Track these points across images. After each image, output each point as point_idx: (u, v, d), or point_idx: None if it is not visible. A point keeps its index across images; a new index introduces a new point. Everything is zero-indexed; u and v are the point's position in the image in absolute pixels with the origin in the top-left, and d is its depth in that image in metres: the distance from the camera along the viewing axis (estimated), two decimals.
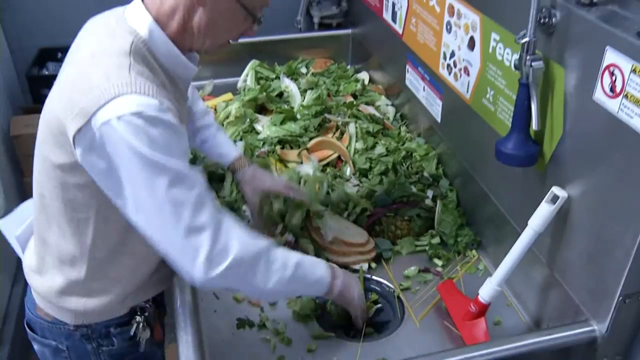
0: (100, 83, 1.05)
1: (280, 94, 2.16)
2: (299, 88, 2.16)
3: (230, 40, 1.25)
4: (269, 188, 1.62)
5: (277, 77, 2.25)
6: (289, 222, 1.58)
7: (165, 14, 1.16)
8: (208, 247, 1.10)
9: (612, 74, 1.03)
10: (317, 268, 1.30)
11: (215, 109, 2.13)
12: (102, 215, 1.19)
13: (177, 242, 1.10)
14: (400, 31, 1.94)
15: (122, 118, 1.02)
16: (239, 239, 1.14)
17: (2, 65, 2.66)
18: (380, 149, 1.85)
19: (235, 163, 1.65)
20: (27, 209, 1.39)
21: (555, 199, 1.22)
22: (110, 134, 1.03)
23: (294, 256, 1.24)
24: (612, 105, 1.04)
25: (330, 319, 1.45)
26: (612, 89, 1.04)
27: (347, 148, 1.88)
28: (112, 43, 1.13)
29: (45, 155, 1.16)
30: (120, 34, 1.15)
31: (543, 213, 1.23)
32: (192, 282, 1.12)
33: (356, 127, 1.94)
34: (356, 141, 1.89)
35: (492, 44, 1.38)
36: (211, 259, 1.10)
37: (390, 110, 2.11)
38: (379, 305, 1.48)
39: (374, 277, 1.55)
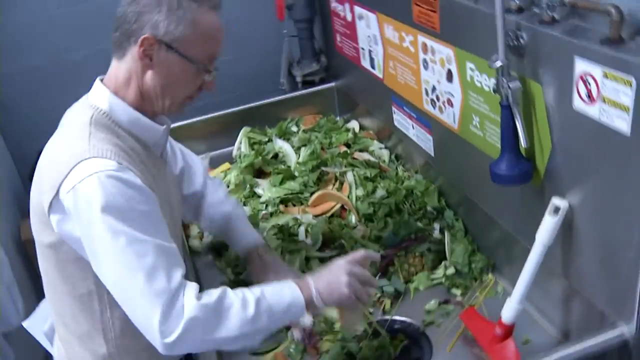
0: (63, 157, 1.15)
1: (276, 155, 2.21)
2: (293, 147, 2.21)
3: (192, 97, 1.30)
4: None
5: (270, 140, 2.30)
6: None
7: (122, 85, 1.25)
8: (160, 316, 1.10)
9: (585, 82, 1.07)
10: (283, 293, 1.24)
11: None
12: (102, 287, 1.19)
13: (134, 310, 1.13)
14: (380, 76, 2.00)
15: (82, 182, 1.11)
16: (191, 303, 1.13)
17: (5, 171, 2.72)
18: (380, 192, 1.88)
19: (254, 251, 1.61)
20: (44, 306, 1.42)
21: (557, 209, 1.24)
22: (74, 200, 1.11)
23: (253, 292, 1.21)
24: (593, 111, 1.08)
25: None
26: (590, 96, 1.07)
27: (348, 197, 1.91)
28: (74, 121, 1.24)
29: (39, 240, 1.24)
30: (82, 111, 1.24)
31: (548, 225, 1.25)
32: (162, 350, 1.13)
33: (354, 175, 1.97)
34: (356, 188, 1.92)
35: (469, 72, 1.43)
36: (165, 327, 1.10)
37: (385, 153, 2.15)
38: (405, 342, 1.48)
39: (395, 317, 1.56)
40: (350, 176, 1.97)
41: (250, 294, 1.20)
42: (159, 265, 1.12)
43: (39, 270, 1.30)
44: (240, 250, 1.65)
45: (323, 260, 1.66)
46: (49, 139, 1.26)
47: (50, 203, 1.14)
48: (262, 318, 1.18)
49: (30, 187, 1.24)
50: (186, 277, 1.18)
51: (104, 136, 1.18)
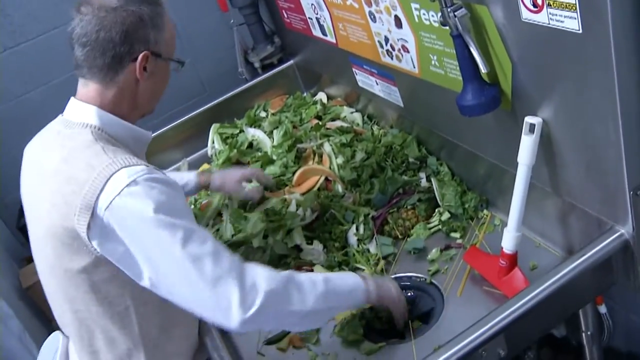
0: (87, 176, 1.11)
1: (250, 145, 2.18)
2: (265, 132, 2.18)
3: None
4: (242, 175, 1.77)
5: (242, 131, 2.27)
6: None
7: (112, 102, 1.24)
8: (238, 291, 1.09)
9: None
10: (346, 278, 1.30)
11: None
12: (138, 299, 1.22)
13: (207, 296, 1.10)
14: (333, 41, 1.96)
15: (121, 194, 1.08)
16: (263, 275, 1.15)
17: None
18: (360, 155, 1.85)
19: (200, 180, 1.76)
20: (49, 343, 1.41)
21: (532, 127, 1.21)
22: (117, 213, 1.09)
23: (319, 274, 1.26)
24: (542, 18, 1.05)
25: (375, 331, 1.43)
26: (534, 4, 1.04)
27: (330, 168, 1.88)
28: (75, 142, 1.19)
29: (66, 268, 1.19)
30: (76, 132, 1.21)
31: (527, 145, 1.22)
32: (234, 329, 1.12)
33: (331, 145, 1.94)
34: (336, 157, 1.89)
35: (415, 13, 1.39)
36: (245, 300, 1.10)
37: (357, 116, 2.12)
38: (410, 294, 1.48)
39: (399, 275, 1.54)
40: (327, 147, 1.94)
41: (317, 274, 1.25)
42: (219, 246, 1.14)
43: (46, 311, 1.28)
44: (192, 188, 1.77)
45: (307, 228, 1.70)
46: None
47: (89, 224, 1.10)
48: (331, 296, 1.21)
49: (23, 234, 1.22)
50: None
51: (115, 148, 1.18)
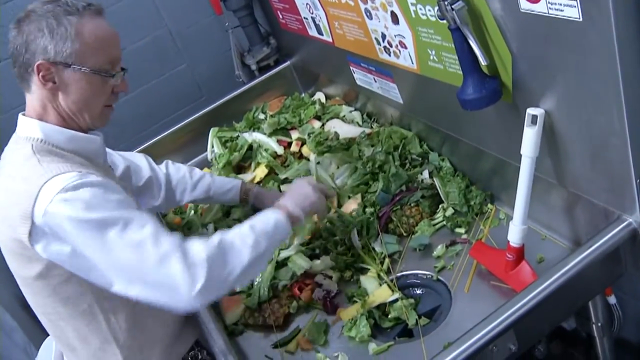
0: (23, 188, 1.16)
1: (250, 147, 2.16)
2: (265, 134, 2.17)
3: (110, 104, 1.33)
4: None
5: (238, 136, 2.25)
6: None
7: (41, 112, 1.26)
8: (182, 267, 1.14)
9: None
10: (267, 217, 1.35)
11: None
12: (99, 296, 1.26)
13: (154, 279, 1.15)
14: (330, 40, 1.95)
15: (53, 201, 1.12)
16: (200, 247, 1.19)
17: None
18: (360, 163, 1.82)
19: (243, 191, 1.79)
20: (45, 346, 1.51)
21: (534, 119, 1.20)
22: (53, 220, 1.13)
23: (241, 226, 1.30)
24: (540, 7, 1.04)
25: (383, 330, 1.42)
26: None
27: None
28: (17, 157, 1.24)
29: (24, 275, 1.26)
30: (19, 146, 1.25)
31: (530, 137, 1.21)
32: (189, 306, 1.18)
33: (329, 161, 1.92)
34: (334, 180, 1.86)
35: (412, 8, 1.38)
36: (191, 274, 1.14)
37: (356, 115, 2.11)
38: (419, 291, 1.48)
39: (405, 273, 1.53)
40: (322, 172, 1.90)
41: (241, 227, 1.29)
42: (159, 228, 1.18)
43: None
44: (230, 198, 1.80)
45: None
46: None
47: (30, 233, 1.15)
48: (261, 242, 1.27)
49: None
50: None
51: (52, 158, 1.21)
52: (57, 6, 1.23)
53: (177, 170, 1.79)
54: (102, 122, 1.34)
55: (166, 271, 1.14)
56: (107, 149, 1.59)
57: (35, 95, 1.26)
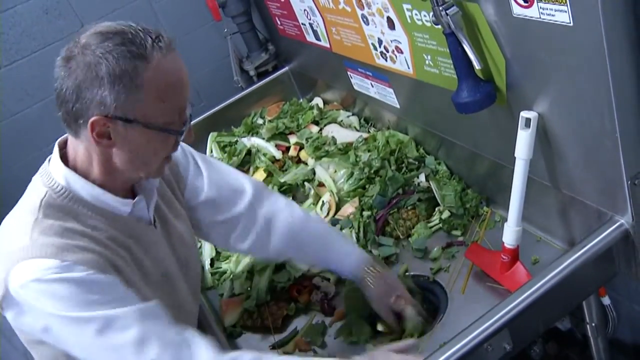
0: (6, 249, 1.06)
1: (249, 151, 2.18)
2: (263, 138, 2.19)
3: (169, 157, 1.16)
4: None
5: (236, 142, 2.28)
6: None
7: (84, 163, 1.12)
8: None
9: None
10: None
11: None
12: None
13: None
14: (327, 45, 1.97)
15: (24, 286, 1.01)
16: (205, 356, 1.06)
17: None
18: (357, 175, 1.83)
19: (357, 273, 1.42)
20: None
21: (528, 122, 1.22)
22: (25, 299, 1.02)
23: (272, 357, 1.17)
24: (533, 12, 1.06)
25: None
26: None
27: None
28: (26, 201, 1.13)
29: (27, 339, 1.16)
30: (36, 187, 1.13)
31: (523, 140, 1.23)
32: None
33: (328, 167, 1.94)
34: (335, 183, 1.88)
35: (407, 13, 1.41)
36: None
37: (354, 120, 2.13)
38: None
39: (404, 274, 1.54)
40: (322, 173, 1.92)
41: (278, 358, 1.16)
42: (149, 333, 1.04)
43: None
44: (346, 271, 1.44)
45: None
46: None
47: (2, 297, 1.04)
48: None
49: None
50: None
51: (52, 223, 1.07)
52: (121, 45, 1.00)
53: (298, 221, 1.46)
54: (159, 175, 1.19)
55: None
56: (202, 169, 1.42)
57: (82, 144, 1.09)
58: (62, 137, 1.17)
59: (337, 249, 1.45)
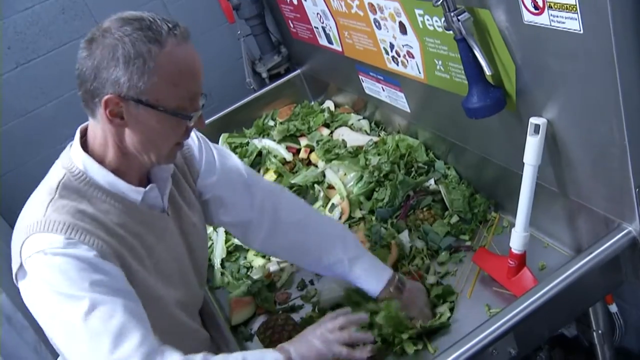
0: (22, 224, 1.12)
1: (260, 153, 2.20)
2: (274, 140, 2.21)
3: (181, 143, 1.20)
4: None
5: (251, 139, 2.30)
6: None
7: (101, 146, 1.16)
8: None
9: None
10: (265, 356, 1.18)
11: None
12: None
13: None
14: (339, 49, 1.99)
15: (31, 257, 1.07)
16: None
17: (6, 238, 2.71)
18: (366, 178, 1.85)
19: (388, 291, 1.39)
20: None
21: (537, 128, 1.23)
22: (29, 269, 1.07)
23: (237, 354, 1.15)
24: (543, 20, 1.07)
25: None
26: (536, 6, 1.06)
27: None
28: (47, 181, 1.18)
29: None
30: (57, 169, 1.19)
31: (532, 146, 1.24)
32: None
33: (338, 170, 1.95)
34: (345, 186, 1.89)
35: (420, 19, 1.42)
36: None
37: (364, 123, 2.15)
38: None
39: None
40: (332, 176, 1.93)
41: (231, 356, 1.14)
42: (129, 326, 1.05)
43: None
44: (374, 289, 1.39)
45: None
46: None
47: (18, 268, 1.09)
48: None
49: None
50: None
51: (66, 203, 1.12)
52: (138, 30, 1.06)
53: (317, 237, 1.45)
54: (169, 160, 1.22)
55: None
56: (218, 165, 1.42)
57: (99, 124, 1.14)
58: (84, 124, 1.22)
59: (368, 267, 1.42)
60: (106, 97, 1.07)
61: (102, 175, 1.17)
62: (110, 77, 1.06)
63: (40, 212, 1.11)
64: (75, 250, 1.07)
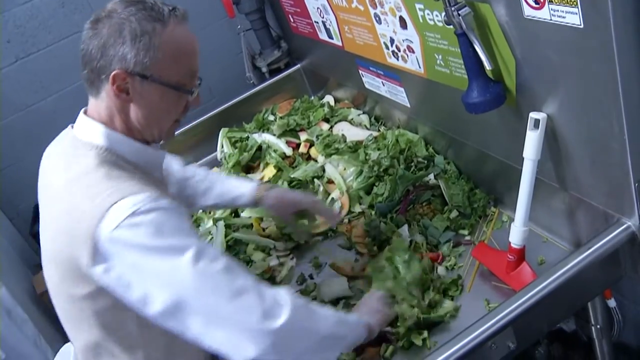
0: (87, 207, 1.07)
1: (260, 147, 2.20)
2: (274, 135, 2.21)
3: (179, 120, 1.26)
4: (297, 204, 1.67)
5: (249, 135, 2.30)
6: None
7: (108, 119, 1.19)
8: (260, 304, 1.06)
9: None
10: (348, 314, 1.31)
11: None
12: (143, 325, 1.14)
13: (224, 313, 1.05)
14: (340, 44, 1.99)
15: (120, 226, 1.03)
16: (284, 292, 1.12)
17: (6, 232, 2.72)
18: (366, 173, 1.85)
19: (257, 195, 1.66)
20: (62, 355, 1.42)
21: (537, 123, 1.23)
22: (119, 245, 1.04)
23: (327, 308, 1.24)
24: (544, 14, 1.07)
25: None
26: (536, 1, 1.06)
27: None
28: (79, 166, 1.15)
29: (71, 293, 1.15)
30: (82, 154, 1.17)
31: (532, 140, 1.24)
32: (256, 353, 1.05)
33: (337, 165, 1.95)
34: (345, 181, 1.89)
35: (420, 13, 1.42)
36: (267, 312, 1.06)
37: (364, 118, 2.15)
38: None
39: None
40: (332, 171, 1.93)
41: (328, 309, 1.23)
42: (232, 263, 1.10)
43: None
44: (245, 201, 1.68)
45: None
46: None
47: (90, 255, 1.05)
48: (343, 325, 1.22)
49: (36, 241, 1.18)
50: None
51: (119, 173, 1.13)
52: (142, 10, 1.13)
53: (190, 177, 1.69)
54: (169, 137, 1.27)
55: (241, 305, 1.05)
56: None
57: (103, 102, 1.18)
58: (83, 109, 1.24)
59: (233, 187, 1.70)
60: (114, 72, 1.12)
61: (129, 145, 1.20)
62: (118, 54, 1.12)
63: (103, 185, 1.09)
64: (161, 202, 1.08)
